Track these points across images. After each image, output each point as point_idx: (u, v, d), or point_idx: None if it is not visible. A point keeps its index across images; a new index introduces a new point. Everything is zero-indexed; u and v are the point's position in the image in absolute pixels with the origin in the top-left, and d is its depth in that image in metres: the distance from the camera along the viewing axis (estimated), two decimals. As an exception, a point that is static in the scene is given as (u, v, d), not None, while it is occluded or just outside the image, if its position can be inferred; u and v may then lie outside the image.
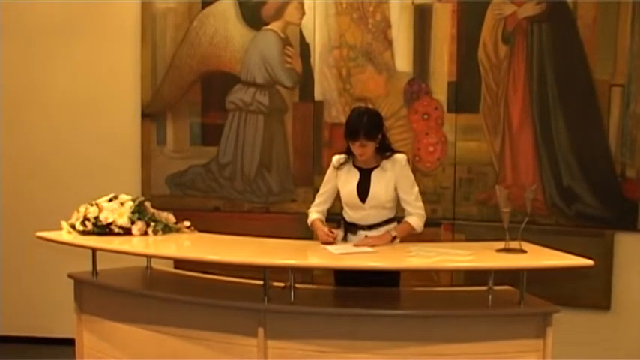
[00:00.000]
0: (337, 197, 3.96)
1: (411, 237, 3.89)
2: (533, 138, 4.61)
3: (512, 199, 3.70)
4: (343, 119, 4.20)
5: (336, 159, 3.92)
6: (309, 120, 5.01)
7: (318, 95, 4.99)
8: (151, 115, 5.25)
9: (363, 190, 3.80)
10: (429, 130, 4.81)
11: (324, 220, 3.94)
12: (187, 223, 4.25)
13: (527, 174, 4.62)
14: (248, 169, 5.13)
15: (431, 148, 4.81)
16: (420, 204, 3.86)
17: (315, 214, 3.95)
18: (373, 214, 3.82)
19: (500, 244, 3.62)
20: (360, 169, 3.85)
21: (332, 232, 3.78)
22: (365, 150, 3.73)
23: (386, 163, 3.82)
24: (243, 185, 5.14)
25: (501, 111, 4.67)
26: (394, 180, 3.80)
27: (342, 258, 3.57)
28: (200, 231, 4.23)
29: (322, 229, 3.80)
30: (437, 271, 4.65)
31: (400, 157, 3.84)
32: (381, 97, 4.86)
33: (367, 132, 3.68)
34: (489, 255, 3.56)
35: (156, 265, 4.28)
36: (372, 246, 3.69)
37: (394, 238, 3.80)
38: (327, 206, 3.97)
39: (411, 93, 4.83)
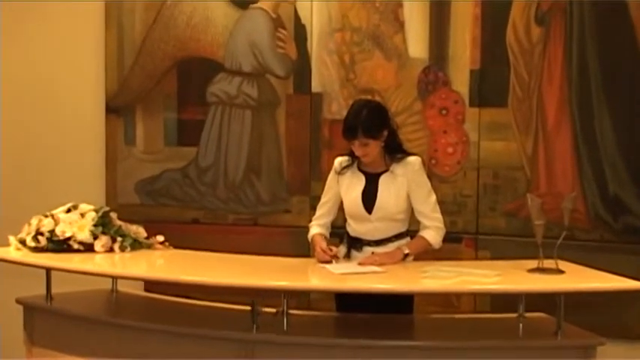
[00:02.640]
0: (342, 207, 3.97)
1: (427, 254, 3.89)
2: (572, 137, 4.61)
3: (547, 209, 3.69)
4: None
5: (339, 161, 3.92)
6: (305, 116, 5.01)
7: (316, 87, 4.99)
8: (117, 109, 5.24)
9: (369, 199, 3.80)
10: (448, 127, 4.81)
11: (327, 234, 3.95)
12: (161, 238, 4.25)
13: (565, 180, 4.62)
14: (233, 173, 5.13)
15: (450, 149, 4.81)
16: (438, 215, 3.86)
17: (316, 228, 3.95)
18: (381, 228, 3.82)
19: (533, 263, 3.60)
20: (366, 173, 3.85)
21: (330, 250, 3.78)
22: (367, 150, 3.74)
23: (396, 167, 3.81)
24: (228, 193, 5.14)
25: (534, 105, 4.66)
26: (406, 187, 3.80)
27: (344, 279, 3.57)
28: (176, 247, 4.24)
29: (319, 245, 3.80)
30: (457, 295, 4.65)
31: (413, 160, 3.84)
32: (390, 88, 4.86)
33: (367, 128, 3.68)
34: (520, 276, 3.55)
35: (123, 287, 4.28)
36: (380, 265, 3.68)
37: (406, 255, 3.80)
38: (330, 218, 3.97)
39: (426, 84, 4.83)
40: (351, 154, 3.85)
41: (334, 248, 3.83)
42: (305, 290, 4.22)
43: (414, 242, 3.85)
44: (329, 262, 3.73)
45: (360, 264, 3.72)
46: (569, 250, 3.73)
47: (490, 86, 4.72)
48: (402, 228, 3.88)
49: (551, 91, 4.63)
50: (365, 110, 3.73)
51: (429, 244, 3.83)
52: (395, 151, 3.83)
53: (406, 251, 3.80)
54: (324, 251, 3.77)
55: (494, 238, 4.71)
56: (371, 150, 3.74)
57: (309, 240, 3.95)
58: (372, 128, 3.70)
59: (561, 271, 3.53)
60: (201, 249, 4.24)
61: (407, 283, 3.58)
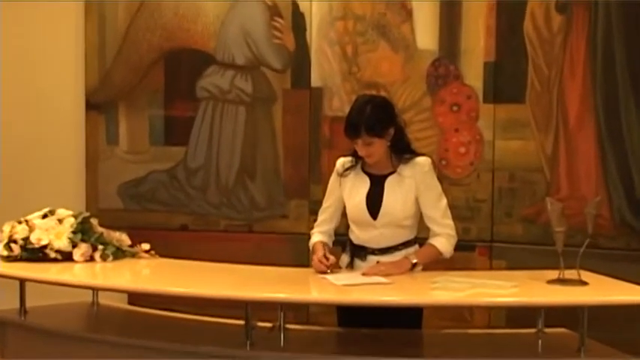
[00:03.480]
0: (345, 213, 3.94)
1: (437, 264, 3.85)
2: (596, 136, 4.60)
3: (569, 215, 3.67)
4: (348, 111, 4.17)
5: (341, 162, 3.90)
6: (304, 112, 5.03)
7: (315, 81, 5.01)
8: (99, 105, 5.26)
9: (374, 203, 3.78)
10: (460, 125, 4.82)
11: (329, 243, 3.92)
12: (146, 246, 4.24)
13: (589, 182, 4.63)
14: (225, 175, 5.14)
15: (462, 149, 4.82)
16: (449, 221, 3.82)
17: (317, 235, 3.93)
18: (387, 234, 3.81)
19: (554, 274, 3.57)
20: (370, 175, 3.83)
21: (327, 259, 3.76)
22: (371, 150, 3.72)
23: (404, 168, 3.79)
24: (219, 197, 5.15)
25: (554, 100, 4.67)
26: (414, 190, 3.78)
27: (346, 291, 3.54)
28: (163, 256, 4.22)
29: (316, 254, 3.80)
30: (470, 309, 4.66)
31: (423, 161, 3.82)
32: (397, 82, 4.87)
33: (371, 126, 3.66)
34: (539, 288, 3.53)
35: (105, 300, 4.27)
36: (386, 275, 3.65)
37: (414, 265, 3.76)
38: (332, 225, 3.95)
39: (436, 77, 4.84)
40: (355, 155, 3.84)
41: (331, 257, 3.79)
42: (304, 303, 4.23)
43: (423, 251, 3.83)
44: (325, 272, 3.71)
45: (364, 274, 3.70)
46: (592, 260, 3.70)
47: (506, 80, 4.73)
48: (409, 235, 3.87)
49: (573, 84, 4.64)
50: (369, 106, 3.71)
51: (440, 253, 3.79)
52: (402, 150, 3.80)
53: (414, 260, 3.78)
54: (319, 260, 3.75)
55: (510, 247, 4.72)
56: (375, 150, 3.73)
57: (310, 249, 3.93)
58: (377, 126, 3.68)
59: (584, 283, 3.51)
60: (190, 258, 4.20)
61: (415, 295, 3.56)
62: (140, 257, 4.17)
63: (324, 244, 3.86)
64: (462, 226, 4.39)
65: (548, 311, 3.55)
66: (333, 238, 3.93)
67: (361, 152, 3.73)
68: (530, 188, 4.71)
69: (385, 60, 4.89)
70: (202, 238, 5.09)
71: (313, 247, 3.87)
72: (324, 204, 3.95)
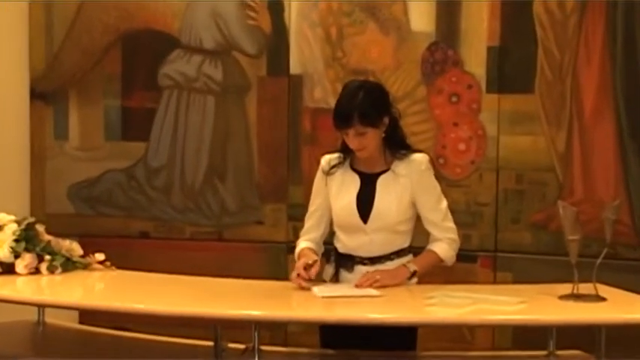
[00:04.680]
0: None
1: (433, 276, 3.88)
2: (615, 130, 4.62)
3: (584, 220, 3.69)
4: (332, 102, 4.17)
5: (326, 160, 3.90)
6: (281, 104, 5.03)
7: (295, 67, 5.01)
8: (45, 95, 5.25)
9: (365, 204, 3.78)
10: (460, 118, 4.83)
11: (318, 251, 3.90)
12: (101, 257, 4.21)
13: (607, 184, 4.64)
14: (192, 175, 5.14)
15: (462, 146, 4.83)
16: (451, 224, 3.86)
17: (304, 243, 3.93)
18: (378, 241, 3.80)
19: (567, 288, 3.57)
20: (360, 173, 3.84)
21: (307, 267, 3.73)
22: (364, 141, 3.71)
23: (399, 166, 3.80)
24: (185, 200, 5.15)
25: (567, 90, 4.69)
26: (410, 190, 3.79)
27: (329, 307, 3.55)
28: (120, 268, 4.21)
29: (297, 264, 3.78)
30: (471, 328, 4.64)
31: (420, 158, 3.83)
32: (388, 70, 4.87)
33: (364, 113, 3.66)
34: (549, 304, 3.52)
35: (52, 318, 4.25)
36: (381, 286, 3.67)
37: (413, 274, 3.79)
38: (321, 232, 3.94)
39: (432, 64, 4.84)
40: (343, 150, 3.85)
41: (313, 269, 3.74)
42: (281, 321, 4.21)
43: (422, 258, 3.84)
44: (303, 286, 3.70)
45: (357, 286, 3.70)
46: (611, 272, 3.70)
47: (512, 67, 4.74)
48: (403, 243, 3.87)
49: (589, 72, 4.66)
50: (361, 92, 3.71)
51: (441, 260, 3.83)
52: (397, 145, 3.82)
53: (413, 268, 3.79)
54: (297, 272, 3.72)
55: (517, 257, 4.73)
56: (369, 141, 3.72)
57: (296, 258, 3.91)
58: (371, 113, 3.69)
59: (602, 298, 3.50)
60: (151, 270, 4.19)
61: (408, 312, 3.56)
62: (93, 269, 4.15)
63: (312, 251, 3.85)
64: (462, 234, 4.24)
65: (560, 331, 3.53)
66: (322, 248, 3.92)
67: (353, 145, 3.72)
68: (539, 190, 4.73)
69: (374, 44, 4.90)
70: (165, 247, 5.08)
71: (298, 255, 3.86)
72: (310, 208, 3.94)
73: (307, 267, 3.70)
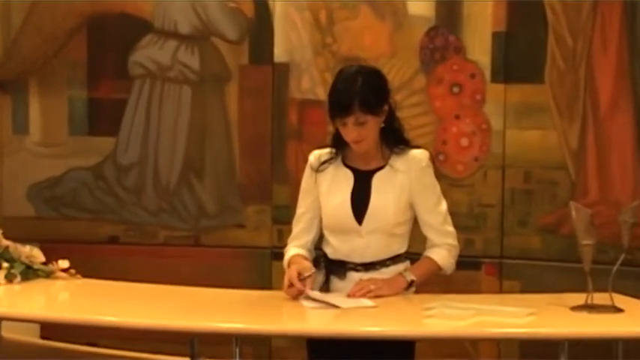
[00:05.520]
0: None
1: (432, 285, 3.86)
2: (633, 124, 4.63)
3: (599, 224, 3.66)
4: (321, 93, 4.32)
5: (316, 155, 3.88)
6: (265, 95, 5.04)
7: (280, 55, 5.03)
8: (3, 84, 5.24)
9: (359, 204, 3.77)
10: (462, 111, 4.85)
11: (309, 258, 3.88)
12: (65, 264, 4.18)
13: (624, 184, 4.65)
14: (166, 174, 5.15)
15: (464, 141, 4.84)
16: (451, 228, 3.84)
17: (293, 249, 3.91)
18: (374, 245, 3.78)
19: (580, 298, 3.55)
20: (354, 170, 3.82)
21: (300, 276, 3.70)
22: (363, 132, 3.69)
23: (397, 161, 3.78)
24: (158, 201, 5.16)
25: (581, 80, 4.70)
26: (408, 189, 3.77)
27: (317, 319, 3.55)
28: (86, 276, 4.19)
29: (289, 272, 3.75)
30: (475, 341, 4.65)
31: (420, 155, 3.81)
32: (383, 57, 4.87)
33: (365, 100, 3.65)
34: (561, 315, 3.50)
35: (10, 333, 4.22)
36: (377, 296, 3.66)
37: (411, 283, 3.77)
38: (312, 236, 3.92)
39: (431, 51, 4.86)
40: (334, 145, 3.83)
41: (309, 281, 3.73)
42: (265, 335, 4.16)
43: (420, 266, 3.83)
44: (297, 297, 3.70)
45: (349, 296, 3.68)
46: (629, 281, 3.73)
47: (520, 54, 4.77)
48: (399, 248, 3.85)
49: (606, 60, 4.66)
50: (360, 77, 3.70)
51: (439, 268, 3.81)
52: (394, 139, 3.81)
53: (410, 278, 3.77)
54: (289, 280, 3.70)
55: (525, 264, 4.74)
56: (368, 132, 3.71)
57: (285, 267, 3.89)
58: (372, 100, 3.67)
59: (618, 309, 3.48)
60: (121, 278, 4.18)
61: (404, 324, 3.52)
62: (57, 277, 4.13)
63: (305, 259, 3.84)
64: (464, 238, 4.36)
65: (572, 344, 3.44)
66: (314, 253, 3.89)
67: (351, 136, 3.71)
68: (550, 190, 4.75)
69: (368, 29, 4.92)
70: (136, 253, 5.08)
71: (288, 263, 3.83)
72: (298, 210, 3.92)
73: (301, 277, 3.69)
